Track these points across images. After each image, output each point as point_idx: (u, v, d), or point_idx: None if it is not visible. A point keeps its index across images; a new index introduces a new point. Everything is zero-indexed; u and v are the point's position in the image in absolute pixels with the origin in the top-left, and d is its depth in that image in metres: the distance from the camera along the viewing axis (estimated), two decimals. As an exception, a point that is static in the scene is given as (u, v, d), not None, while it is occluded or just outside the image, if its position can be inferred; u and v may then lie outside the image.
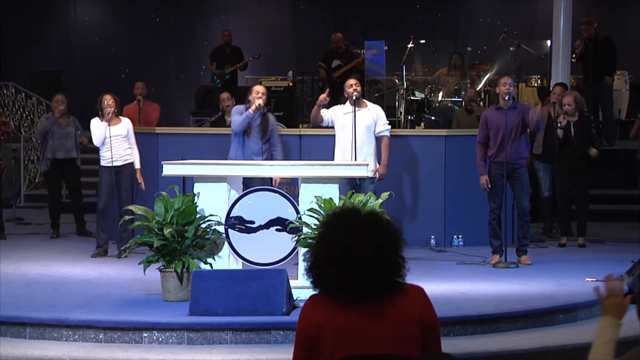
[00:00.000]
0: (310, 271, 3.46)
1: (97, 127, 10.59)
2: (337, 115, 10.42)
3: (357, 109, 10.31)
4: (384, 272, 3.39)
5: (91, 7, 20.07)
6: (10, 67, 18.67)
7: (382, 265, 3.38)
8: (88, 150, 12.79)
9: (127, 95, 13.06)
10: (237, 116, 10.25)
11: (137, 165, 10.72)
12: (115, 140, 10.59)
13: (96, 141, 10.65)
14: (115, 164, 10.61)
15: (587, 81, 14.78)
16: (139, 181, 10.69)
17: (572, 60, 14.54)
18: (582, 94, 14.26)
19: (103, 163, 10.68)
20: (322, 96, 10.31)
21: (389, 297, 3.40)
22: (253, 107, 10.15)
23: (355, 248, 3.36)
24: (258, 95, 10.21)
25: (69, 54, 19.35)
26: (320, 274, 3.42)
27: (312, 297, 3.50)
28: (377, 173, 10.38)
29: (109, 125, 10.57)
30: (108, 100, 10.65)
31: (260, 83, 16.90)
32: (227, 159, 10.13)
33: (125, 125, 10.73)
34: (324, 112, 10.42)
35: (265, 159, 10.18)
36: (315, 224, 7.92)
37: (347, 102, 10.47)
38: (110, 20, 19.91)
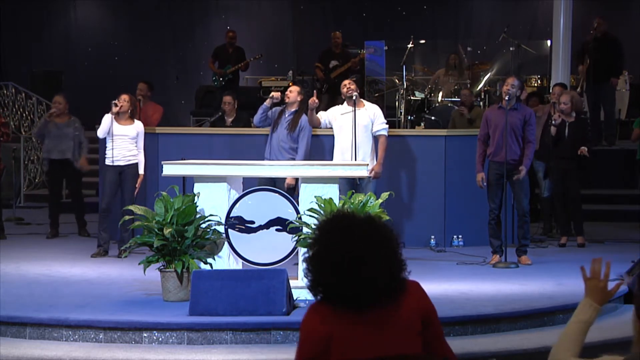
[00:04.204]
0: (316, 284, 3.34)
1: (104, 120, 10.61)
2: (335, 116, 10.45)
3: (352, 109, 10.33)
4: (390, 277, 3.32)
5: (91, 7, 20.07)
6: (10, 67, 18.68)
7: (387, 270, 3.31)
8: (89, 150, 12.79)
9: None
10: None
11: (141, 171, 10.70)
12: (121, 139, 10.59)
13: (99, 132, 10.68)
14: (118, 163, 10.61)
15: (589, 80, 14.70)
16: (136, 186, 10.66)
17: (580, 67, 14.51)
18: (586, 94, 14.20)
19: (107, 162, 10.68)
20: (311, 99, 10.34)
21: (395, 300, 3.35)
22: (268, 100, 10.27)
23: (359, 256, 3.28)
24: (286, 92, 10.34)
25: (69, 54, 19.35)
26: (327, 286, 3.32)
27: (312, 307, 3.39)
28: (372, 171, 10.36)
29: (118, 122, 10.58)
30: (121, 97, 10.67)
31: (260, 83, 17.00)
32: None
33: (135, 128, 10.70)
34: (320, 115, 10.47)
35: (292, 159, 10.18)
36: (315, 224, 7.92)
37: (345, 103, 10.51)
38: (110, 20, 19.91)
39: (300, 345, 3.38)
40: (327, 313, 3.34)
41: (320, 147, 11.13)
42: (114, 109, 10.55)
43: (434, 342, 3.42)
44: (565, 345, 3.31)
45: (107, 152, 10.67)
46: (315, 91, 10.92)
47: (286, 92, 10.42)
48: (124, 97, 10.69)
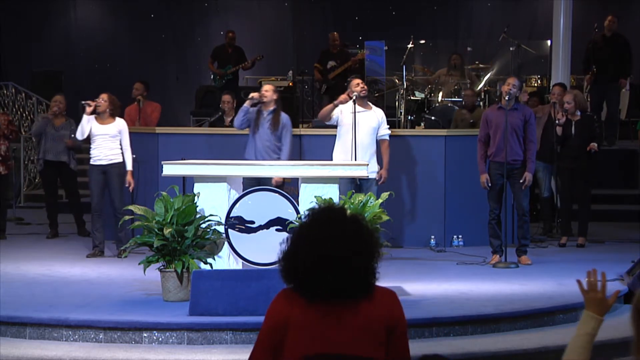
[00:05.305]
0: (284, 265, 3.42)
1: (83, 120, 10.62)
2: (344, 114, 10.43)
3: (362, 109, 10.34)
4: (356, 275, 3.35)
5: (91, 7, 20.07)
6: (10, 67, 18.67)
7: (355, 267, 3.34)
8: (83, 150, 12.80)
9: (127, 95, 13.05)
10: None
11: (129, 168, 10.65)
12: (101, 138, 10.60)
13: (77, 133, 10.73)
14: (101, 162, 10.62)
15: (597, 80, 14.58)
16: (129, 184, 10.59)
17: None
18: (593, 93, 14.11)
19: (91, 161, 10.70)
20: (344, 96, 10.34)
21: (357, 300, 3.37)
22: (248, 101, 10.22)
23: (331, 248, 3.32)
24: (262, 91, 10.28)
25: (69, 54, 19.34)
26: (293, 270, 3.39)
27: (282, 291, 3.46)
28: (380, 176, 10.39)
29: (98, 122, 10.59)
30: (100, 96, 10.67)
31: (260, 83, 16.98)
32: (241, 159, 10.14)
33: (117, 126, 10.67)
34: (334, 111, 10.44)
35: (277, 158, 10.16)
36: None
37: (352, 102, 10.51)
38: (110, 20, 19.91)
39: (262, 327, 3.46)
40: (291, 300, 3.39)
41: (321, 147, 11.12)
42: (88, 109, 10.57)
43: (393, 354, 3.42)
44: (571, 359, 3.31)
45: (92, 152, 10.70)
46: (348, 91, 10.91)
47: (261, 92, 10.35)
48: (103, 97, 10.70)
